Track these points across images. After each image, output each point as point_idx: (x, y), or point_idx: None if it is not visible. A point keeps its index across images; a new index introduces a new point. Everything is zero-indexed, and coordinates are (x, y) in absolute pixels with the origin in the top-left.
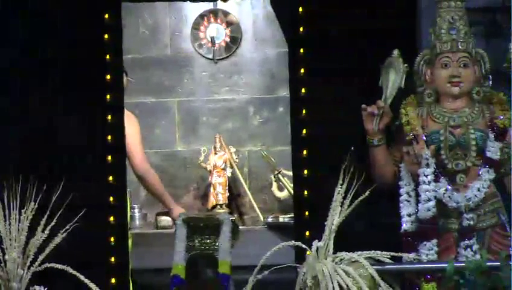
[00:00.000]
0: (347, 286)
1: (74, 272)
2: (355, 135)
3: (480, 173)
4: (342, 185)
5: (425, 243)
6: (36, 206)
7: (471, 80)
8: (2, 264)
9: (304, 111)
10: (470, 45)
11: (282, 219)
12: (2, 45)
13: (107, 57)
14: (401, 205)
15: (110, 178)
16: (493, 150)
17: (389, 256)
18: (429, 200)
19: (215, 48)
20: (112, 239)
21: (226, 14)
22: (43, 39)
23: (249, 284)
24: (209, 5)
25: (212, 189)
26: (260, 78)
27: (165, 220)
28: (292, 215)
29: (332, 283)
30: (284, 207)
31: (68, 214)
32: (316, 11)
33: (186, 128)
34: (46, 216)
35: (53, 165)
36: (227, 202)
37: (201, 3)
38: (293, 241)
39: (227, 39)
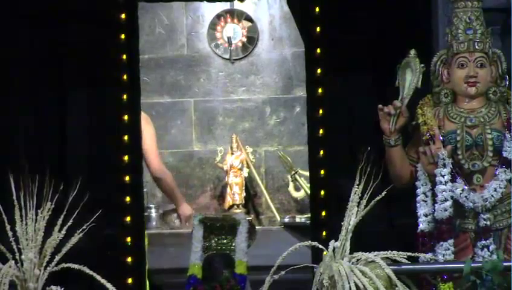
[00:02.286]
0: (364, 286)
1: (91, 272)
2: (372, 135)
3: (497, 173)
4: (358, 185)
5: (441, 243)
6: (53, 206)
7: (487, 80)
8: (19, 265)
9: (320, 111)
10: (486, 45)
11: (298, 219)
12: (17, 44)
13: (123, 57)
14: (417, 205)
15: (127, 178)
16: (510, 150)
17: (405, 256)
18: (446, 200)
19: (231, 48)
20: (128, 239)
21: (242, 14)
22: (58, 38)
23: (265, 285)
24: (226, 5)
25: (228, 189)
26: (277, 78)
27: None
28: (309, 215)
29: (348, 283)
30: (301, 207)
31: (84, 214)
32: (332, 10)
33: (202, 128)
34: (62, 216)
35: (69, 165)
36: (243, 202)
37: (217, 3)
38: (309, 241)
39: (244, 39)
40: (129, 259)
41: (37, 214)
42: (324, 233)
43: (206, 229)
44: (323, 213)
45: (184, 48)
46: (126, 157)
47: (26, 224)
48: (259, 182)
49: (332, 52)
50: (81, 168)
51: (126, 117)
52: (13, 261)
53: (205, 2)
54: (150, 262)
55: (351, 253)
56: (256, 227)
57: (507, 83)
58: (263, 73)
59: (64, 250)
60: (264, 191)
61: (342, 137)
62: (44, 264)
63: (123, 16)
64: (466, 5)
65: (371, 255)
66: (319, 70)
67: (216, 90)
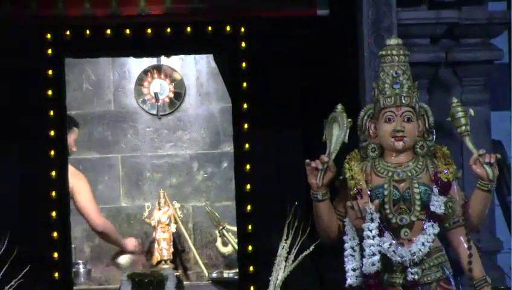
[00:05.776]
0: None
1: None
2: (299, 189)
3: (425, 227)
4: (286, 240)
5: None
6: None
7: (414, 135)
8: None
9: (247, 166)
10: (413, 99)
11: (226, 274)
12: None
13: (51, 112)
14: (345, 259)
15: (55, 234)
16: (437, 204)
17: None
18: (374, 254)
19: (158, 103)
20: None
21: (169, 69)
22: None
23: None
24: (153, 61)
25: (156, 245)
26: (204, 133)
27: (124, 258)
28: (237, 270)
29: None
30: (229, 262)
31: (13, 269)
32: (259, 66)
33: (130, 184)
34: None
35: None
36: (171, 257)
37: (144, 58)
38: None
39: (171, 95)
40: None
41: None
42: (252, 288)
43: (135, 285)
44: (251, 268)
45: (111, 103)
46: (54, 213)
47: None
48: (187, 237)
49: (259, 107)
50: (10, 224)
51: (54, 173)
52: None
53: (132, 57)
54: None
55: None
56: (184, 282)
57: (434, 137)
58: (190, 128)
59: None
60: (192, 247)
61: (270, 192)
62: None
63: (50, 72)
64: (393, 59)
65: None
66: (246, 126)
67: (143, 146)
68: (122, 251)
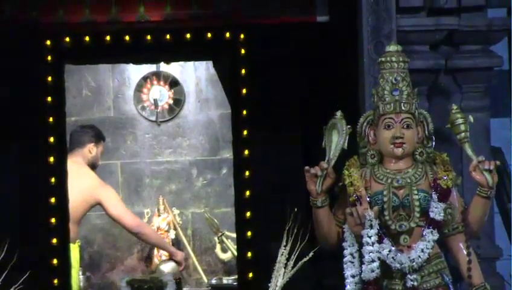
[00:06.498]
0: None
1: None
2: (299, 196)
3: (424, 233)
4: (285, 246)
5: None
6: None
7: (414, 141)
8: None
9: (247, 172)
10: (413, 106)
11: (226, 280)
12: None
13: (50, 119)
14: (345, 266)
15: (54, 240)
16: (436, 211)
17: None
18: (373, 261)
19: (158, 110)
20: None
21: (168, 76)
22: None
23: None
24: (152, 67)
25: (155, 251)
26: (203, 139)
27: (169, 265)
28: (236, 276)
29: None
30: (228, 269)
31: (13, 273)
32: (258, 72)
33: (129, 190)
34: None
35: None
36: None
37: (144, 65)
38: None
39: (170, 101)
40: None
41: None
42: None
43: None
44: (251, 274)
45: (111, 110)
46: (53, 220)
47: None
48: (186, 243)
49: (258, 113)
50: (9, 230)
51: (53, 179)
52: None
53: (131, 64)
54: None
55: None
56: (184, 289)
57: (433, 143)
58: (189, 135)
59: None
60: (191, 253)
61: (269, 198)
62: None
63: (50, 78)
64: (392, 66)
65: None
66: (245, 132)
67: (143, 152)
68: (170, 259)
